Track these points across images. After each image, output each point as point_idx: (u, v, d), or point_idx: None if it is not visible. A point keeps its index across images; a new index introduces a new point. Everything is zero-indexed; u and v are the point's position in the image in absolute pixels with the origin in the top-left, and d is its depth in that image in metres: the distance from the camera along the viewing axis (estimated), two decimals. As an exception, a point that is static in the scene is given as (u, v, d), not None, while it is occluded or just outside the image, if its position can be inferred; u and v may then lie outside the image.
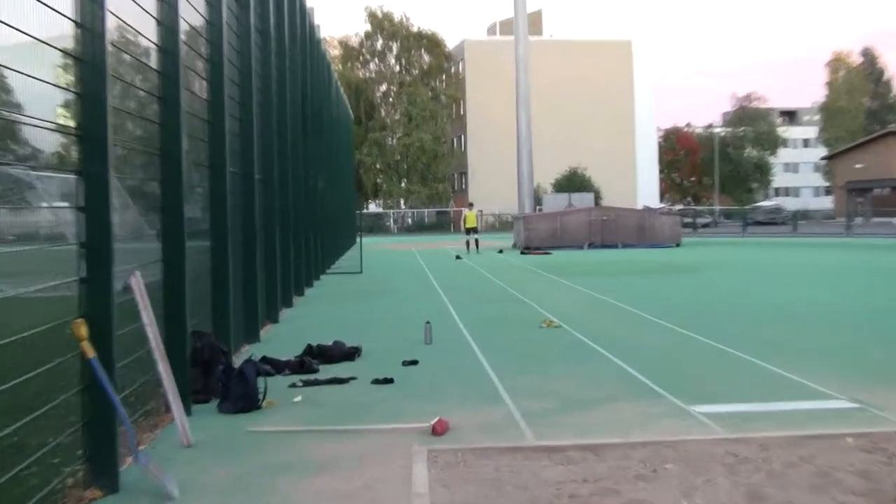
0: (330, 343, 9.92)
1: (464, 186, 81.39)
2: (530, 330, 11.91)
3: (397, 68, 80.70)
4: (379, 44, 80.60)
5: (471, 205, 36.25)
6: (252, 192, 11.39)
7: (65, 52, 4.97)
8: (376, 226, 71.65)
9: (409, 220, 76.75)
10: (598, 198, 63.43)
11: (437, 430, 6.30)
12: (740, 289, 17.93)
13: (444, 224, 73.24)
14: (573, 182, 70.53)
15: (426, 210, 75.83)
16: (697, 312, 13.65)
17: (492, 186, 74.17)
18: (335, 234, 29.74)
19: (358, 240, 29.64)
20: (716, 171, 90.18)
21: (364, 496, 4.94)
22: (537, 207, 47.91)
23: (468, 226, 35.32)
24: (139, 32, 6.44)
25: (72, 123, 5.06)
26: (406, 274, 24.10)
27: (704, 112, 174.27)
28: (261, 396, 7.35)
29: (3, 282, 4.62)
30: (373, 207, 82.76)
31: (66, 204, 5.24)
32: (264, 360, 9.03)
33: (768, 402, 7.16)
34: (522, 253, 34.04)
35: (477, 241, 34.51)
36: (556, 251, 34.72)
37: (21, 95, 4.45)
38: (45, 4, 4.65)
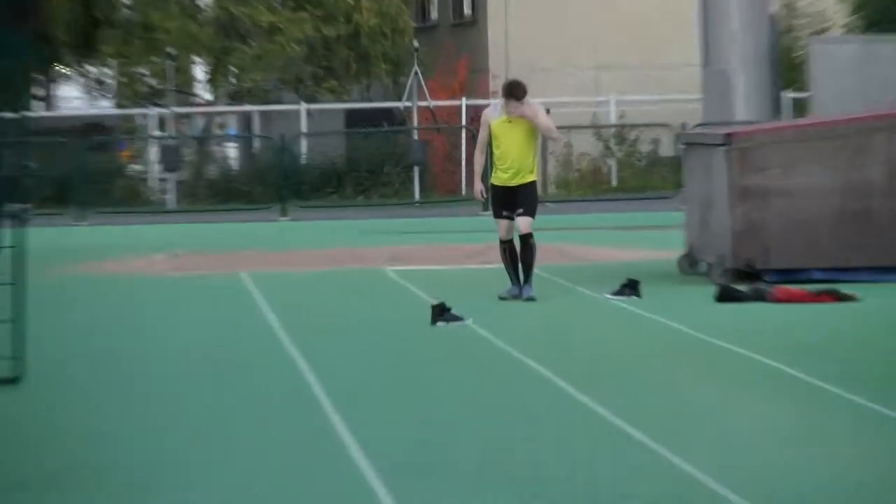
0: None
1: (472, 9, 40.69)
2: None
3: None
4: None
5: (511, 86, 16.16)
6: None
7: None
8: (90, 179, 33.55)
9: (240, 159, 36.45)
10: None
11: None
12: None
13: (387, 173, 34.85)
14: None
15: (306, 108, 35.34)
16: None
17: (582, 22, 36.71)
18: None
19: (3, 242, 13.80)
20: None
21: None
22: (780, 105, 23.04)
23: (501, 180, 16.15)
24: None
25: None
26: (211, 396, 11.36)
27: None
28: None
29: None
30: (74, 98, 43.17)
31: None
32: None
33: None
34: (722, 297, 16.63)
35: (530, 242, 16.14)
36: (869, 283, 17.68)
37: None
38: None
